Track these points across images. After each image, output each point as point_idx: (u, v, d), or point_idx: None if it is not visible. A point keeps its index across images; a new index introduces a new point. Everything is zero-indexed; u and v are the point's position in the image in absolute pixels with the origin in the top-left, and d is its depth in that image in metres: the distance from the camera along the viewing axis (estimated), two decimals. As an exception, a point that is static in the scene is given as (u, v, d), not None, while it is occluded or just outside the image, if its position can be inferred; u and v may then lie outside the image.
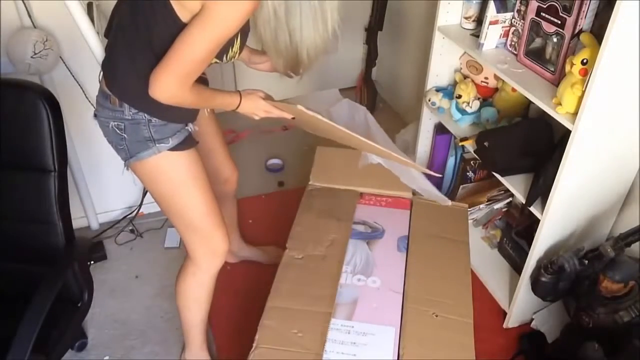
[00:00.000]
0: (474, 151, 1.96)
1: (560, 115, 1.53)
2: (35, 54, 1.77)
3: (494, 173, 1.88)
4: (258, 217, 2.45)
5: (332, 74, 2.75)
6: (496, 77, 2.08)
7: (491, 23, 1.79)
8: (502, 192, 2.15)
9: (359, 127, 1.41)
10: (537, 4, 1.64)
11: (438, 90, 2.19)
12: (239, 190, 1.99)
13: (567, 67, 1.53)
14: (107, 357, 1.91)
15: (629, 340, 1.46)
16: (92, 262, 2.20)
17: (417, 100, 2.50)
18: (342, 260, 1.61)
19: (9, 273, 1.54)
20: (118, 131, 1.35)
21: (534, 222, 1.78)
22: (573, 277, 1.64)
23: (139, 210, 2.39)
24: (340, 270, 1.58)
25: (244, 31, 1.30)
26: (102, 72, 1.39)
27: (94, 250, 2.23)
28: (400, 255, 1.65)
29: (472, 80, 2.11)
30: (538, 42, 1.68)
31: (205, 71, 1.40)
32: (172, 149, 1.37)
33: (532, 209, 1.74)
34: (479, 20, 1.93)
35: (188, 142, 1.42)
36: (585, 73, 1.47)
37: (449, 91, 2.18)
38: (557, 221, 1.71)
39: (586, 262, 1.64)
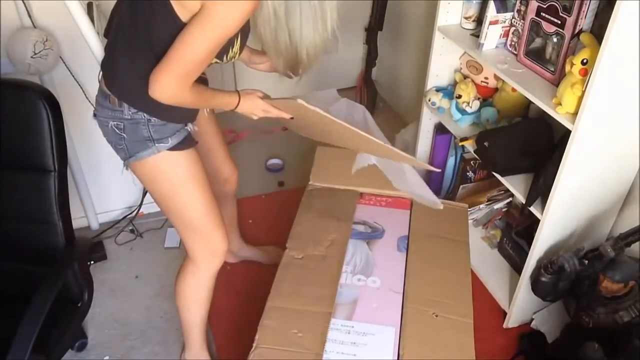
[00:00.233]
0: (474, 151, 1.96)
1: (560, 115, 1.53)
2: (35, 54, 1.77)
3: (494, 173, 1.88)
4: (258, 217, 2.45)
5: (332, 74, 2.75)
6: (496, 77, 2.08)
7: (491, 23, 1.79)
8: (502, 192, 2.15)
9: (358, 125, 1.41)
10: (537, 4, 1.64)
11: (438, 90, 2.19)
12: (239, 190, 1.99)
13: (567, 67, 1.53)
14: (107, 357, 1.91)
15: (629, 340, 1.46)
16: (92, 262, 2.20)
17: (417, 100, 2.50)
18: (342, 260, 1.61)
19: (9, 273, 1.54)
20: (117, 131, 1.35)
21: (534, 222, 1.78)
22: (573, 277, 1.64)
23: (139, 210, 2.39)
24: (340, 270, 1.58)
25: (244, 31, 1.30)
26: (101, 72, 1.39)
27: (94, 250, 2.23)
28: (400, 255, 1.65)
29: (472, 80, 2.11)
30: (538, 42, 1.68)
31: (205, 71, 1.40)
32: (172, 148, 1.37)
33: (532, 209, 1.74)
34: (479, 20, 1.93)
35: (187, 142, 1.42)
36: (585, 73, 1.47)
37: (449, 91, 2.18)
38: (557, 221, 1.71)
39: (586, 262, 1.64)
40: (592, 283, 1.58)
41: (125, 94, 1.32)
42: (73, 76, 1.99)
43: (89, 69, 1.86)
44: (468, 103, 2.06)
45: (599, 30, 1.49)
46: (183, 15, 1.18)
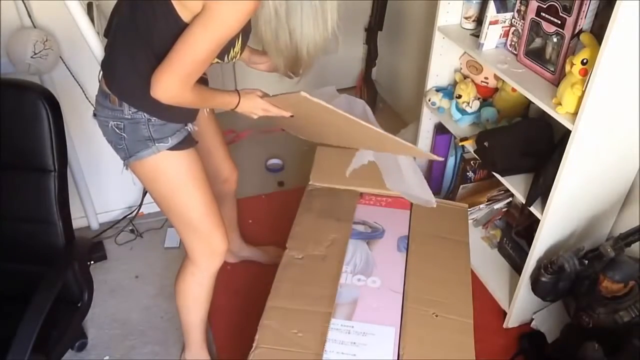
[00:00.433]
0: (474, 151, 1.96)
1: (560, 115, 1.53)
2: (35, 54, 1.77)
3: (494, 173, 1.88)
4: (258, 217, 2.45)
5: (332, 74, 2.75)
6: (496, 77, 2.07)
7: (491, 23, 1.79)
8: (502, 192, 2.15)
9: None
10: (537, 4, 1.63)
11: (438, 90, 2.19)
12: (239, 190, 1.99)
13: (567, 67, 1.53)
14: (107, 357, 1.91)
15: (629, 340, 1.46)
16: (92, 262, 2.20)
17: (417, 100, 2.50)
18: (342, 260, 1.61)
19: (9, 273, 1.54)
20: (117, 130, 1.35)
21: (534, 222, 1.78)
22: (573, 277, 1.64)
23: (139, 210, 2.39)
24: (340, 270, 1.58)
25: (246, 31, 1.30)
26: (101, 72, 1.39)
27: (94, 250, 2.23)
28: (400, 255, 1.65)
29: (472, 80, 2.11)
30: (538, 42, 1.68)
31: (206, 71, 1.40)
32: (172, 148, 1.37)
33: (532, 209, 1.74)
34: (479, 20, 1.93)
35: (187, 142, 1.42)
36: (585, 73, 1.47)
37: (449, 91, 2.18)
38: (557, 221, 1.71)
39: (586, 262, 1.64)
40: (592, 283, 1.58)
41: (125, 93, 1.32)
42: (73, 76, 1.99)
43: (89, 69, 1.86)
44: (468, 103, 2.06)
45: (599, 30, 1.49)
46: (184, 15, 1.18)
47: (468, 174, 2.29)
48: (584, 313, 1.58)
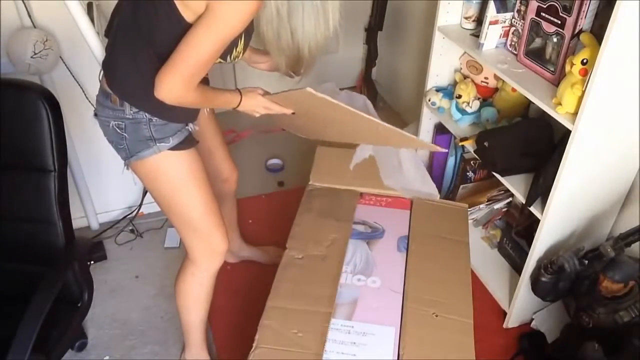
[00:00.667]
0: (474, 151, 1.96)
1: (560, 115, 1.53)
2: (35, 54, 1.77)
3: (494, 173, 1.88)
4: (258, 217, 2.45)
5: (332, 73, 2.73)
6: (496, 77, 2.07)
7: (491, 23, 1.79)
8: (502, 192, 2.15)
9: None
10: (537, 4, 1.63)
11: (438, 90, 2.19)
12: (239, 190, 1.99)
13: (567, 67, 1.53)
14: (107, 357, 1.91)
15: (629, 340, 1.46)
16: (92, 262, 2.20)
17: (417, 100, 2.50)
18: (342, 260, 1.61)
19: (9, 273, 1.54)
20: (119, 130, 1.35)
21: (534, 222, 1.78)
22: (573, 277, 1.64)
23: (139, 210, 2.39)
24: (340, 270, 1.58)
25: (248, 31, 1.30)
26: (102, 71, 1.39)
27: (94, 250, 2.23)
28: (400, 255, 1.65)
29: (472, 80, 2.11)
30: (538, 42, 1.68)
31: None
32: (173, 148, 1.38)
33: (532, 209, 1.74)
34: (479, 20, 1.93)
35: (188, 142, 1.42)
36: (585, 73, 1.47)
37: (449, 91, 2.18)
38: (557, 221, 1.71)
39: (586, 262, 1.64)
40: (592, 283, 1.58)
41: (126, 93, 1.32)
42: (73, 76, 1.99)
43: (89, 69, 1.86)
44: (468, 103, 2.06)
45: (599, 30, 1.49)
46: (187, 15, 1.19)
47: (468, 174, 2.29)
48: (584, 313, 1.58)
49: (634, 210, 1.79)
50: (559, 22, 1.58)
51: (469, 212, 1.91)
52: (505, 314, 1.98)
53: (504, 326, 1.98)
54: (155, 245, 2.34)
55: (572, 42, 1.57)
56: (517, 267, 2.05)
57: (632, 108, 1.53)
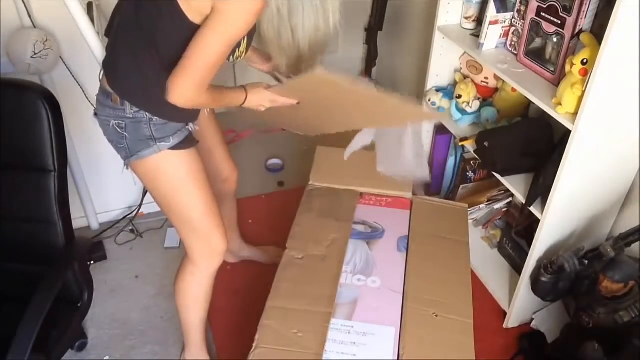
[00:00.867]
0: (474, 151, 1.96)
1: (560, 115, 1.53)
2: (35, 54, 1.77)
3: (494, 173, 1.88)
4: (258, 217, 2.45)
5: (332, 74, 2.75)
6: (496, 77, 2.08)
7: (491, 23, 1.79)
8: (502, 192, 2.15)
9: None
10: (537, 4, 1.63)
11: (438, 90, 2.19)
12: (239, 190, 1.99)
13: (567, 67, 1.53)
14: (107, 357, 1.91)
15: (629, 340, 1.46)
16: (92, 262, 2.20)
17: (417, 101, 2.50)
18: (342, 260, 1.61)
19: (9, 273, 1.54)
20: (119, 130, 1.35)
21: (534, 222, 1.78)
22: (573, 277, 1.64)
23: (139, 210, 2.39)
24: (340, 270, 1.58)
25: (250, 32, 1.31)
26: (103, 71, 1.39)
27: (94, 250, 2.23)
28: (400, 255, 1.65)
29: (472, 80, 2.11)
30: (538, 42, 1.68)
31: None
32: (173, 148, 1.38)
33: (532, 209, 1.74)
34: (479, 20, 1.94)
35: (188, 142, 1.42)
36: (585, 73, 1.47)
37: (449, 91, 2.18)
38: (557, 221, 1.71)
39: (586, 262, 1.64)
40: (592, 283, 1.58)
41: (127, 92, 1.32)
42: (73, 76, 1.99)
43: (89, 69, 1.86)
44: (468, 103, 2.06)
45: (599, 30, 1.49)
46: (191, 15, 1.19)
47: (468, 174, 2.29)
48: (584, 313, 1.58)
49: (634, 210, 1.79)
50: (559, 22, 1.58)
51: (469, 212, 1.91)
52: (505, 314, 1.98)
53: (504, 326, 1.98)
54: (155, 245, 2.34)
55: (572, 42, 1.57)
56: (517, 267, 2.05)
57: (632, 108, 1.53)
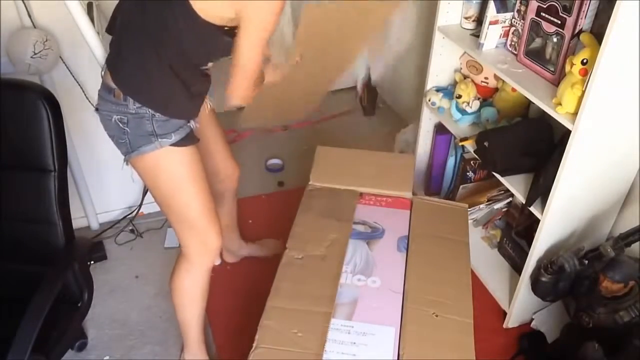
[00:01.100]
0: (474, 151, 1.96)
1: (560, 115, 1.53)
2: (35, 54, 1.77)
3: (494, 173, 1.88)
4: (258, 217, 2.45)
5: (332, 74, 2.74)
6: (496, 77, 2.07)
7: (491, 23, 1.79)
8: (502, 192, 2.15)
9: None
10: (537, 4, 1.63)
11: (438, 90, 2.19)
12: (239, 190, 1.99)
13: (567, 67, 1.53)
14: (107, 357, 1.91)
15: (629, 340, 1.46)
16: (92, 262, 2.20)
17: (417, 101, 2.50)
18: (342, 260, 1.61)
19: (9, 273, 1.54)
20: (121, 125, 1.36)
21: (534, 222, 1.78)
22: (573, 277, 1.64)
23: (139, 210, 2.39)
24: (340, 270, 1.58)
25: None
26: (105, 67, 1.39)
27: (94, 250, 2.23)
28: (400, 255, 1.65)
29: (472, 80, 2.11)
30: (538, 42, 1.68)
31: (208, 67, 1.43)
32: (174, 144, 1.38)
33: (532, 209, 1.74)
34: (479, 20, 1.94)
35: (190, 139, 1.43)
36: (585, 73, 1.47)
37: (449, 91, 2.18)
38: (557, 221, 1.71)
39: (586, 262, 1.64)
40: (592, 283, 1.58)
41: (131, 89, 1.33)
42: (73, 76, 1.99)
43: (89, 69, 1.86)
44: (468, 103, 2.06)
45: (599, 30, 1.49)
46: (204, 14, 1.23)
47: (468, 174, 2.29)
48: (584, 313, 1.58)
49: (634, 210, 1.79)
50: (559, 22, 1.58)
51: (469, 212, 1.91)
52: (505, 314, 1.98)
53: (504, 326, 1.98)
54: (155, 245, 2.34)
55: (572, 42, 1.57)
56: (517, 267, 2.05)
57: (632, 108, 1.53)
